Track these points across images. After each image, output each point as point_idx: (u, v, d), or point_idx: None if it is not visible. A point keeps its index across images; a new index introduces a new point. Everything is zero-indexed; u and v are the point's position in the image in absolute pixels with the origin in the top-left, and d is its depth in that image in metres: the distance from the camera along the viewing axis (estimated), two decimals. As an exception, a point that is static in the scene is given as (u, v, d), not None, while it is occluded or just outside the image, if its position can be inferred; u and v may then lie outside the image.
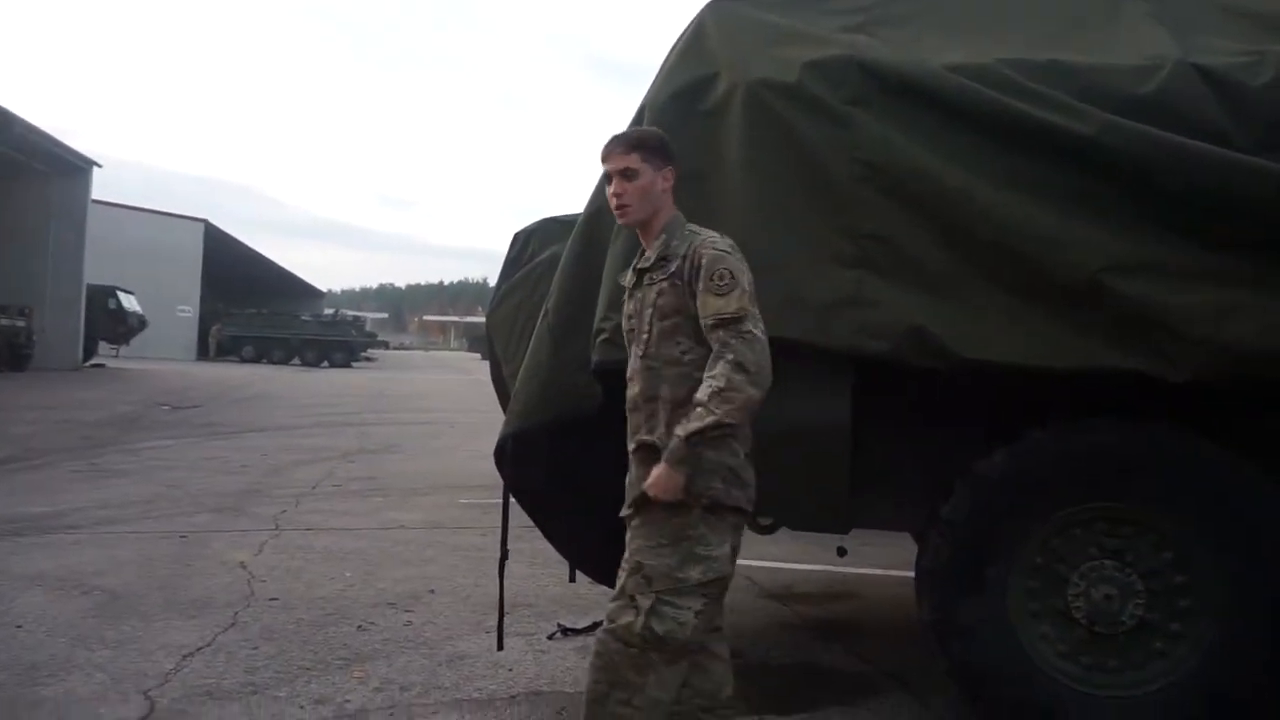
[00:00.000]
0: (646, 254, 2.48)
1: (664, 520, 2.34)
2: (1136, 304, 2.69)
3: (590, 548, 4.00)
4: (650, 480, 2.32)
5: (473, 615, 4.31)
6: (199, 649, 3.71)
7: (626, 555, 2.43)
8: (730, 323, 2.28)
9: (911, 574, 3.24)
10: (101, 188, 25.62)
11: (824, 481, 2.96)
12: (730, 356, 2.25)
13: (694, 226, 2.46)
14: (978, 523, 2.91)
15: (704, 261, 2.33)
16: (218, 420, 13.51)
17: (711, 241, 2.38)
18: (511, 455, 3.36)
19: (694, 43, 3.17)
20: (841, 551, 3.94)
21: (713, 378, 2.26)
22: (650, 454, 2.41)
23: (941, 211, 2.79)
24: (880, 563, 5.37)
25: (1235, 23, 3.03)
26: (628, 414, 2.53)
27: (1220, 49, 2.89)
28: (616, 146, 2.48)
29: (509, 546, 3.47)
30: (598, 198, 3.25)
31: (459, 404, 18.22)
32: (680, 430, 2.27)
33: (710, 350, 2.30)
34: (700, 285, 2.33)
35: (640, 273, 2.49)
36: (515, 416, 3.32)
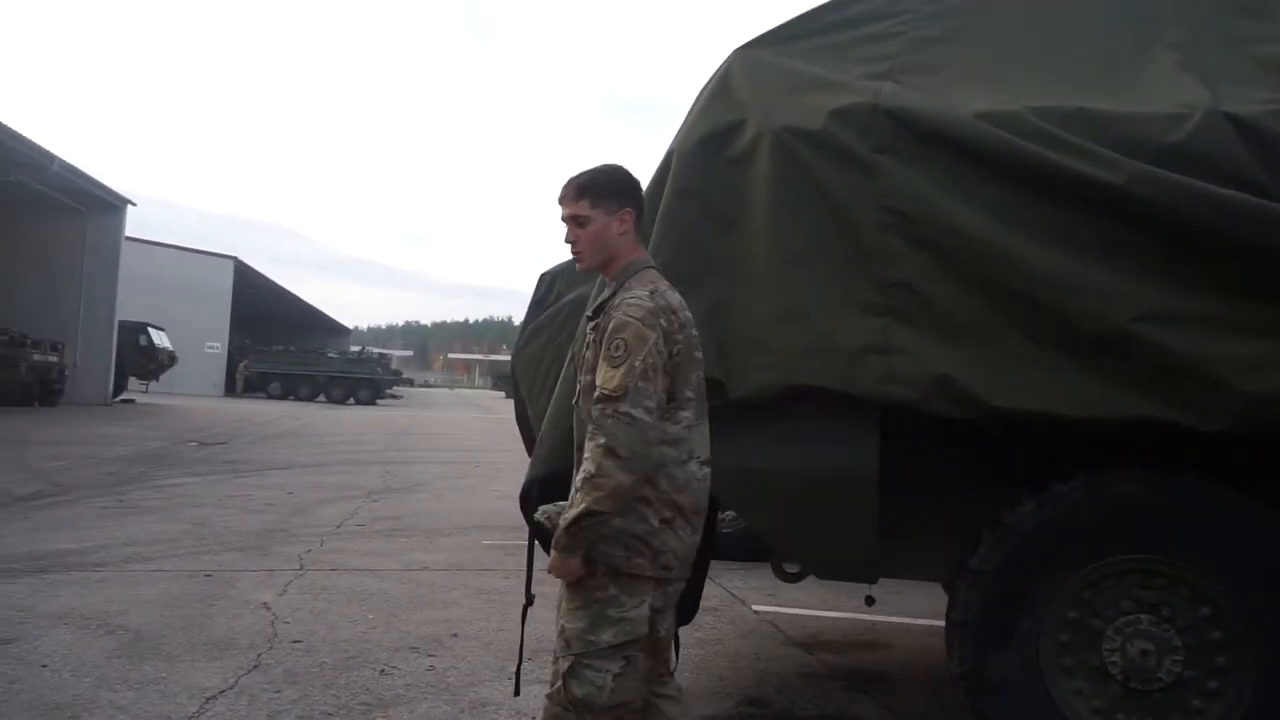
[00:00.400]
0: (600, 290, 2.53)
1: (580, 583, 2.34)
2: (1167, 354, 2.65)
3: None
4: (549, 564, 2.34)
5: (495, 660, 4.27)
6: (222, 692, 3.70)
7: (560, 636, 2.41)
8: (609, 400, 2.20)
9: (941, 624, 3.19)
10: (134, 225, 26.06)
11: (852, 529, 2.93)
12: (602, 440, 2.19)
13: (649, 275, 2.38)
14: (1007, 574, 2.87)
15: (611, 324, 2.26)
16: (244, 457, 13.59)
17: (633, 300, 2.27)
18: (537, 499, 3.35)
19: (721, 89, 3.20)
20: (870, 600, 3.89)
21: (586, 459, 2.23)
22: None
23: (969, 260, 2.77)
24: (909, 612, 5.29)
25: (1266, 72, 3.02)
26: (575, 452, 2.49)
27: (1251, 98, 2.87)
28: (566, 192, 2.43)
29: (534, 591, 3.45)
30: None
31: (483, 443, 18.24)
32: (561, 520, 2.27)
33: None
34: (602, 350, 2.27)
35: (589, 320, 2.45)
36: (541, 461, 3.31)
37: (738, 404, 2.84)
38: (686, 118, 3.21)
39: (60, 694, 3.59)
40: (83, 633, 4.41)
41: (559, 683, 2.35)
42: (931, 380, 2.74)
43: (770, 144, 2.95)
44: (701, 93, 3.25)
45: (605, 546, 2.29)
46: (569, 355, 3.47)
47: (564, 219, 2.45)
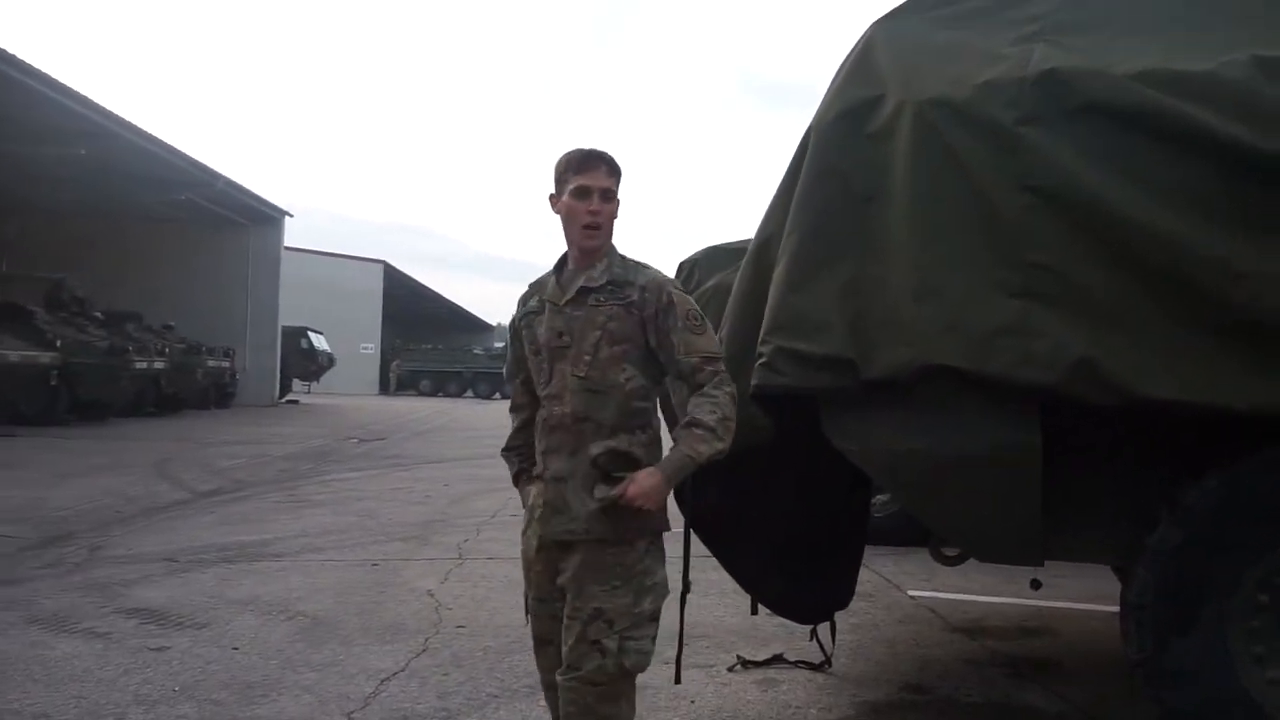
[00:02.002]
0: (590, 274, 2.44)
1: (609, 562, 2.39)
2: None
3: (770, 578, 3.97)
4: (638, 488, 2.31)
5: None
6: (395, 674, 3.88)
7: (576, 606, 2.39)
8: (717, 359, 2.43)
9: (1113, 609, 3.04)
10: (291, 235, 27.53)
11: (1015, 510, 2.81)
12: (728, 389, 2.40)
13: (630, 256, 2.50)
14: (1189, 557, 2.70)
15: (674, 300, 2.42)
16: (401, 452, 14.21)
17: (670, 280, 2.49)
18: (690, 487, 3.38)
19: (861, 62, 3.10)
20: (1036, 584, 3.75)
21: (715, 404, 2.37)
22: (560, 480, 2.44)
23: (1117, 239, 2.58)
24: (1077, 596, 5.07)
25: None
26: (546, 432, 2.48)
27: None
28: (604, 165, 2.43)
29: (690, 578, 3.48)
30: (766, 227, 3.24)
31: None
32: (693, 450, 2.34)
33: (651, 383, 2.47)
34: (675, 323, 2.40)
35: (585, 291, 2.43)
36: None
37: (884, 383, 2.75)
38: (826, 94, 3.15)
39: (251, 674, 3.85)
40: (267, 618, 4.71)
41: (594, 663, 2.35)
42: (1071, 365, 2.56)
43: (911, 118, 2.83)
44: (841, 67, 3.18)
45: (649, 512, 2.41)
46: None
47: (593, 189, 2.40)
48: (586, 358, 2.41)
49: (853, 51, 3.17)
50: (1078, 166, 2.64)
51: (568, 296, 2.45)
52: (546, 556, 2.50)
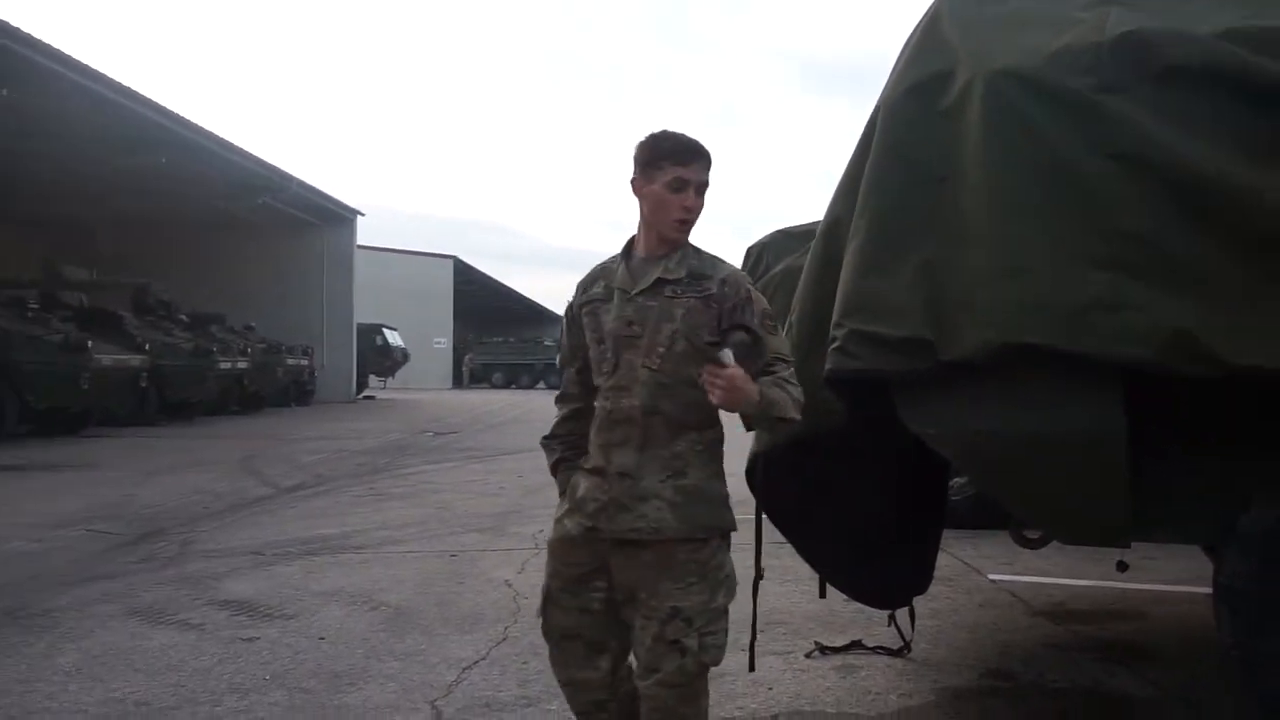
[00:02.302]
0: (667, 264, 2.35)
1: (682, 561, 2.33)
2: None
3: (844, 563, 3.93)
4: (730, 379, 2.12)
5: (729, 633, 4.32)
6: (476, 662, 3.95)
7: (651, 606, 2.32)
8: (789, 363, 2.40)
9: (1205, 590, 2.95)
10: (363, 233, 28.08)
11: (1100, 491, 2.73)
12: (797, 394, 2.35)
13: (703, 249, 2.43)
14: (1286, 535, 2.60)
15: (752, 296, 2.35)
16: (475, 444, 14.43)
17: (747, 277, 2.49)
18: (761, 475, 3.36)
19: (928, 35, 3.03)
20: (1122, 566, 3.64)
21: (796, 388, 2.36)
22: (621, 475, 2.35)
23: (1210, 204, 2.48)
24: (1166, 578, 4.92)
25: None
26: (608, 425, 2.38)
27: None
28: (703, 159, 2.36)
29: (763, 564, 3.46)
30: (834, 208, 3.20)
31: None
32: (780, 395, 2.27)
33: None
34: (752, 320, 2.29)
35: (662, 282, 2.35)
36: (762, 434, 3.32)
37: (962, 365, 2.69)
38: (893, 70, 3.09)
39: (338, 664, 3.96)
40: (351, 609, 4.83)
41: (674, 664, 2.30)
42: (1168, 338, 2.46)
43: (983, 90, 2.75)
44: (907, 42, 3.11)
45: (722, 511, 2.41)
46: (785, 327, 3.45)
47: (692, 182, 2.33)
48: (660, 349, 2.33)
49: (919, 25, 3.11)
50: (1163, 131, 2.53)
51: (642, 285, 2.37)
52: (593, 551, 2.40)
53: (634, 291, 2.38)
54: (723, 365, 2.16)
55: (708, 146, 2.39)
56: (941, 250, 2.72)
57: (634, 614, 2.38)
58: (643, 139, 2.40)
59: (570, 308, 2.56)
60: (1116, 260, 2.54)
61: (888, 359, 2.72)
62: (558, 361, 2.67)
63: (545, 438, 2.65)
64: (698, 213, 2.38)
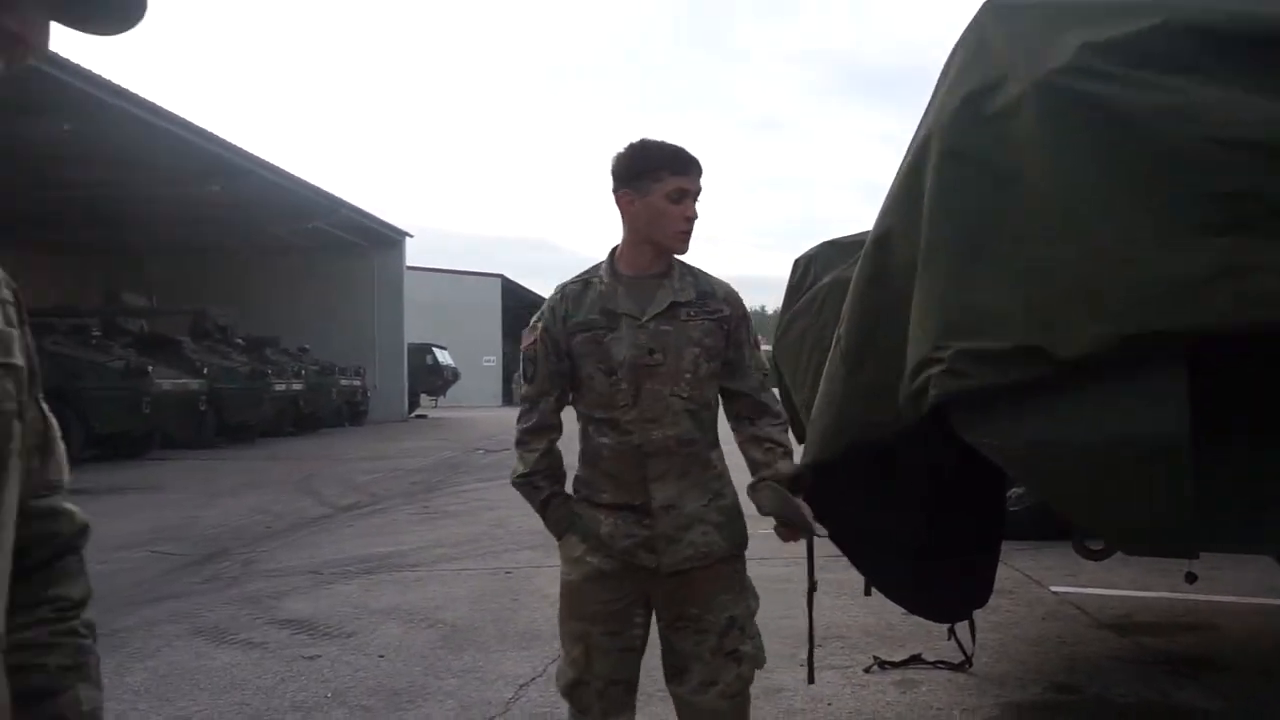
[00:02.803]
0: (674, 286, 2.30)
1: (729, 574, 2.38)
2: None
3: (901, 576, 3.88)
4: (795, 513, 2.37)
5: (784, 647, 4.29)
6: (533, 679, 3.97)
7: (708, 620, 2.32)
8: (766, 374, 2.47)
9: (1275, 602, 2.86)
10: (412, 255, 28.45)
11: (1163, 499, 2.67)
12: (783, 420, 2.47)
13: (687, 263, 2.38)
14: (1363, 543, 2.52)
15: (746, 312, 2.40)
16: (526, 461, 14.48)
17: (734, 289, 2.44)
18: (811, 484, 3.34)
19: (980, 42, 2.99)
20: (1191, 577, 3.55)
21: (779, 433, 2.45)
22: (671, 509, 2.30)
23: None
24: (1237, 589, 4.79)
25: None
26: (634, 460, 2.27)
27: None
28: (698, 168, 2.28)
29: (816, 577, 3.44)
30: (885, 219, 3.18)
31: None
32: (790, 469, 2.44)
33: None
34: (747, 336, 2.40)
35: (676, 306, 2.29)
36: (813, 446, 3.29)
37: (1078, 365, 2.59)
38: (942, 81, 3.07)
39: (398, 681, 4.00)
40: (409, 626, 4.88)
41: (733, 672, 2.34)
42: None
43: (1045, 89, 2.66)
44: (955, 52, 3.09)
45: (745, 522, 2.42)
46: (834, 339, 3.43)
47: (691, 192, 2.28)
48: (688, 376, 2.27)
49: (968, 34, 3.08)
50: (1239, 95, 2.45)
51: (655, 310, 2.27)
52: (630, 582, 2.31)
53: (646, 318, 2.27)
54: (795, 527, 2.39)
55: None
56: (1036, 251, 2.62)
57: (682, 634, 2.36)
58: (626, 150, 2.29)
59: (546, 333, 2.33)
60: (1230, 223, 2.41)
61: (1003, 371, 2.60)
62: (525, 393, 2.42)
63: (524, 476, 2.40)
64: (694, 223, 2.31)
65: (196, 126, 15.74)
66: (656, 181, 2.24)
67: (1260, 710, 3.43)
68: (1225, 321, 2.40)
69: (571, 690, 2.34)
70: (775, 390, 2.56)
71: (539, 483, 2.38)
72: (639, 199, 2.25)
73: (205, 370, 16.66)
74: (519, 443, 2.41)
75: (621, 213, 2.31)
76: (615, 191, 2.29)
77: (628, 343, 2.25)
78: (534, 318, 2.39)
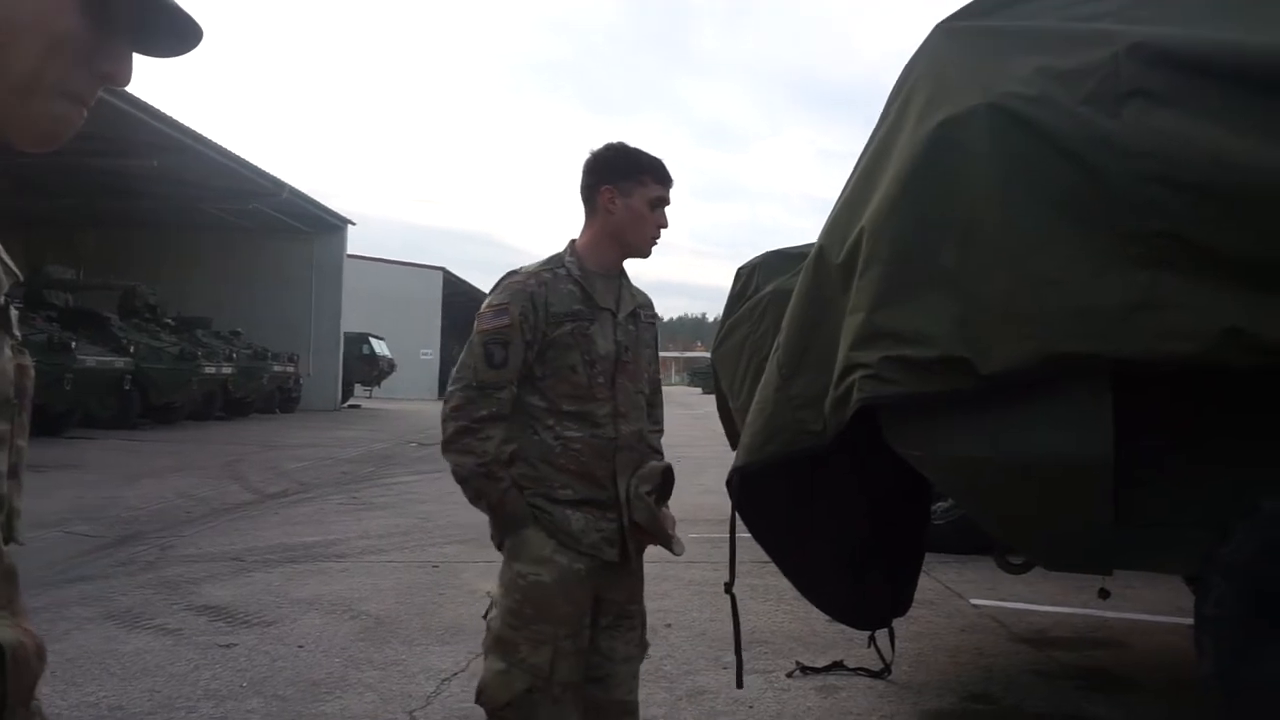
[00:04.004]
0: (632, 289, 2.38)
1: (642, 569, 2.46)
2: None
3: (825, 581, 3.93)
4: (660, 528, 2.32)
5: (710, 650, 4.32)
6: (455, 674, 3.93)
7: (631, 611, 2.39)
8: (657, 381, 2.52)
9: (1185, 621, 2.96)
10: (353, 243, 27.99)
11: (1083, 517, 2.76)
12: (661, 425, 2.51)
13: None
14: (1268, 566, 2.63)
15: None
16: (459, 456, 14.34)
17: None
18: (740, 488, 3.36)
19: (930, 66, 3.06)
20: (1104, 594, 3.66)
21: (658, 438, 2.49)
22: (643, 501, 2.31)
23: (1244, 194, 2.47)
24: (1148, 608, 4.94)
25: None
26: (604, 453, 2.25)
27: None
28: (673, 183, 2.34)
29: (743, 580, 3.47)
30: (828, 233, 3.22)
31: (683, 439, 18.45)
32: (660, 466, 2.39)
33: None
34: (655, 341, 2.49)
35: (639, 308, 2.38)
36: (744, 450, 3.32)
37: (1001, 380, 2.63)
38: (892, 98, 3.12)
39: (316, 672, 3.93)
40: (331, 617, 4.80)
41: (642, 660, 2.46)
42: (1219, 331, 2.45)
43: (993, 114, 2.74)
44: (906, 73, 3.15)
45: None
46: (772, 347, 3.46)
47: (666, 201, 2.32)
48: (645, 375, 2.38)
49: (919, 56, 3.14)
50: (1186, 129, 2.55)
51: (627, 310, 2.33)
52: (593, 583, 2.27)
53: (620, 315, 2.31)
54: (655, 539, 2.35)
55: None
56: (968, 267, 2.70)
57: (616, 633, 2.36)
58: (610, 149, 2.30)
59: (524, 319, 2.20)
60: (1154, 259, 2.53)
61: (927, 380, 2.69)
62: (485, 377, 2.20)
63: (482, 465, 2.19)
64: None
65: (138, 99, 15.30)
66: (640, 185, 2.27)
67: (1164, 725, 3.54)
68: (1141, 351, 2.51)
69: (517, 700, 2.18)
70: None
71: (499, 473, 2.20)
72: (620, 198, 2.26)
73: (132, 349, 16.20)
74: (467, 430, 2.19)
75: (597, 209, 2.29)
76: (594, 187, 2.29)
77: (608, 336, 2.27)
78: (497, 299, 2.24)
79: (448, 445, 2.23)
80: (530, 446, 2.25)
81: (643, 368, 2.36)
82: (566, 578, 2.22)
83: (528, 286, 2.23)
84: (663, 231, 2.33)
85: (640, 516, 2.28)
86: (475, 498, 2.25)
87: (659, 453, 2.46)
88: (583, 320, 2.25)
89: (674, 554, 2.38)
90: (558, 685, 2.19)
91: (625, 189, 2.26)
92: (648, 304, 2.44)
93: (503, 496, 2.21)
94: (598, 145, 2.33)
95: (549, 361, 2.23)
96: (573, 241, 2.35)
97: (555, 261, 2.30)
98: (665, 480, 2.33)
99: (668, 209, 2.33)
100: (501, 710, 2.20)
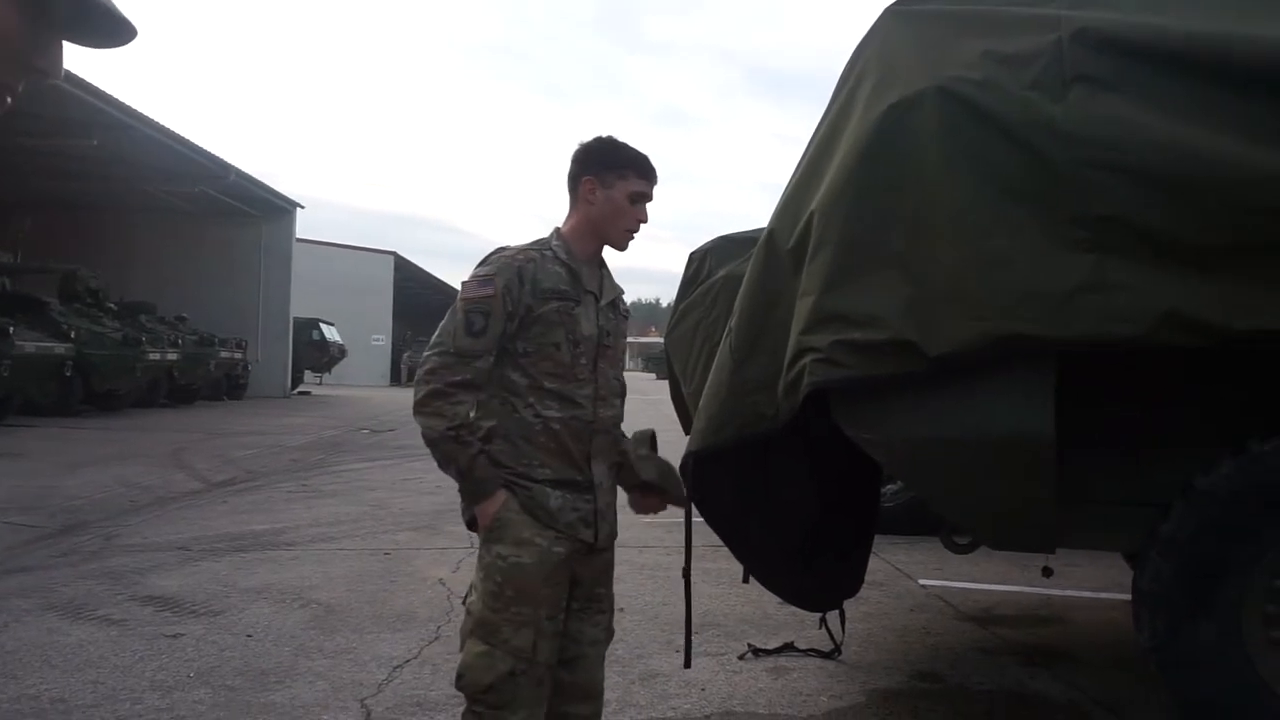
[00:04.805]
0: (612, 281, 2.43)
1: (613, 555, 2.50)
2: None
3: (776, 564, 3.97)
4: (678, 484, 2.50)
5: (662, 634, 4.35)
6: (407, 661, 3.90)
7: (601, 595, 2.43)
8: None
9: (1125, 598, 3.04)
10: (302, 227, 27.56)
11: (1027, 496, 2.80)
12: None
13: None
14: (1203, 542, 2.70)
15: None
16: (412, 443, 14.22)
17: None
18: (693, 473, 3.38)
19: (880, 48, 3.07)
20: (1047, 572, 3.74)
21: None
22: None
23: (1185, 179, 2.51)
24: (1089, 585, 5.06)
25: None
26: (581, 435, 2.28)
27: None
28: (656, 180, 2.38)
29: (696, 564, 3.48)
30: (778, 217, 3.23)
31: (637, 424, 18.50)
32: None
33: None
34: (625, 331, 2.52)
35: (618, 296, 2.44)
36: (698, 435, 3.33)
37: (949, 362, 2.65)
38: (843, 83, 3.13)
39: (265, 661, 3.88)
40: (280, 606, 4.74)
41: (608, 646, 2.51)
42: (1159, 313, 2.51)
43: (942, 97, 2.75)
44: (855, 56, 3.16)
45: None
46: (724, 331, 3.47)
47: (648, 196, 2.36)
48: (622, 363, 2.46)
49: (868, 40, 3.15)
50: (1128, 114, 2.59)
51: (609, 297, 2.39)
52: (568, 565, 2.29)
53: (603, 301, 2.36)
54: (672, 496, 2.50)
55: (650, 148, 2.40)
56: (916, 250, 2.73)
57: (587, 617, 2.40)
58: (597, 142, 2.36)
59: (508, 291, 2.21)
60: (1098, 243, 2.57)
61: (877, 363, 2.71)
62: (461, 345, 2.20)
63: (452, 429, 2.18)
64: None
65: (75, 75, 14.87)
66: (622, 179, 2.31)
67: (1107, 699, 3.63)
68: (1086, 333, 2.56)
69: (500, 683, 2.18)
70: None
71: (467, 437, 2.20)
72: (601, 189, 2.30)
73: (73, 334, 15.81)
74: (439, 394, 2.18)
75: (579, 198, 2.34)
76: (577, 176, 2.33)
77: (591, 320, 2.31)
78: (484, 270, 2.24)
79: (419, 407, 2.21)
80: (510, 424, 2.26)
81: (619, 355, 2.42)
82: (546, 559, 2.23)
83: (515, 260, 2.25)
84: (640, 225, 2.37)
85: (650, 474, 2.39)
86: (444, 462, 2.23)
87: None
88: (569, 300, 2.28)
89: (680, 505, 2.60)
90: (540, 667, 2.22)
91: (606, 180, 2.31)
92: (622, 296, 2.50)
93: (471, 461, 2.21)
94: (588, 137, 2.39)
95: (533, 338, 2.25)
96: (558, 228, 2.39)
97: (542, 244, 2.34)
98: (654, 443, 2.47)
99: (649, 206, 2.36)
100: (484, 693, 2.20)
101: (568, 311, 2.27)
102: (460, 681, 2.24)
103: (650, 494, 2.47)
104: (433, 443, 2.21)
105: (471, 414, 2.24)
